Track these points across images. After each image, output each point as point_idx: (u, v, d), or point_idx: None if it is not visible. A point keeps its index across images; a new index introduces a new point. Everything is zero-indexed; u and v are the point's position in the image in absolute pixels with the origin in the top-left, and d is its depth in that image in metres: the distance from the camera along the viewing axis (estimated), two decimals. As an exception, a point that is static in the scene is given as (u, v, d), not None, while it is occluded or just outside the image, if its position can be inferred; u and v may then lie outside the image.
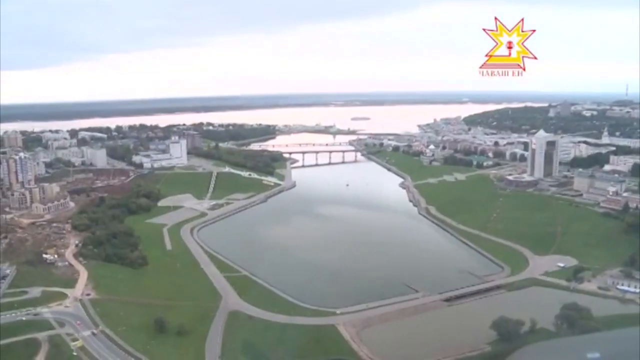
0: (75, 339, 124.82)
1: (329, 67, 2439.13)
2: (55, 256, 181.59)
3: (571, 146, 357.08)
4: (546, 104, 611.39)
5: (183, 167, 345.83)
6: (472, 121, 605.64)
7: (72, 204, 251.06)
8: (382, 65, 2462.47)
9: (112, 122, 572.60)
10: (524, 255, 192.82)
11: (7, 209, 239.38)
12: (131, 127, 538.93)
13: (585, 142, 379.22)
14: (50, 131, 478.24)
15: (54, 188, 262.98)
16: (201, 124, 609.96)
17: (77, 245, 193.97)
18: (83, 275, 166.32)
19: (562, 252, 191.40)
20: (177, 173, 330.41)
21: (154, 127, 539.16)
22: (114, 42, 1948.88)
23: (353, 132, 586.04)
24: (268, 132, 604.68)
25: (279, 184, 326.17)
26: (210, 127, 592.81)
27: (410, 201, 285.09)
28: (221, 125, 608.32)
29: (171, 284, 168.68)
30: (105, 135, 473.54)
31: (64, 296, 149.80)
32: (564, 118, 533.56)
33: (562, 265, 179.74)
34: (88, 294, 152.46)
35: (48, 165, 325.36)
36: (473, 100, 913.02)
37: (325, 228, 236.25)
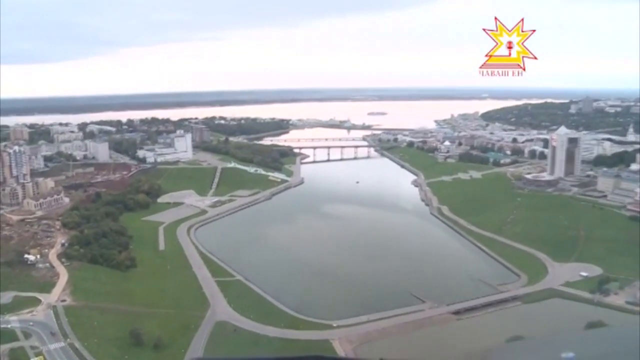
0: (39, 353, 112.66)
1: (346, 61, 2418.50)
2: (38, 257, 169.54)
3: (594, 143, 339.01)
4: (567, 100, 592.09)
5: (187, 161, 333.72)
6: (490, 117, 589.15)
7: (66, 200, 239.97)
8: (401, 60, 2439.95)
9: (126, 116, 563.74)
10: (543, 262, 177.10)
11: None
12: (142, 121, 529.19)
13: (609, 140, 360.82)
14: (60, 124, 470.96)
15: (49, 183, 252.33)
16: (213, 117, 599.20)
17: (63, 245, 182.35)
18: (63, 278, 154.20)
19: (584, 259, 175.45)
20: (180, 168, 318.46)
21: (165, 121, 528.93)
22: (130, 36, 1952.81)
23: (368, 127, 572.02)
24: (281, 126, 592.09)
25: (286, 180, 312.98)
26: (222, 121, 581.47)
27: (422, 200, 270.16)
28: (233, 119, 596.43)
29: (157, 289, 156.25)
30: (114, 129, 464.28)
31: (37, 302, 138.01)
32: (586, 114, 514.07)
33: (585, 274, 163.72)
34: (63, 300, 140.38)
35: (48, 159, 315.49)
36: (492, 97, 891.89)
37: (329, 229, 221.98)
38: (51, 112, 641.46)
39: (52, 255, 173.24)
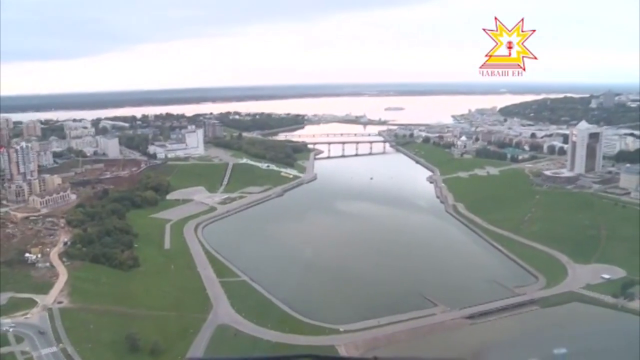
0: (29, 359, 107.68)
1: (362, 56, 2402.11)
2: (38, 256, 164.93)
3: (616, 139, 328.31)
4: (587, 95, 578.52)
5: (199, 157, 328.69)
6: (508, 112, 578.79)
7: (73, 197, 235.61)
8: (418, 55, 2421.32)
9: (142, 111, 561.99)
10: (562, 263, 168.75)
11: (4, 202, 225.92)
12: (157, 116, 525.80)
13: (632, 135, 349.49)
14: (74, 120, 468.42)
15: (55, 180, 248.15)
16: (228, 113, 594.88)
17: (65, 244, 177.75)
18: (62, 278, 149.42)
19: (606, 260, 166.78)
20: (191, 164, 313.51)
21: (180, 117, 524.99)
22: (148, 32, 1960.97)
23: (384, 123, 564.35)
24: (297, 121, 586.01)
25: (299, 177, 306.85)
26: (237, 117, 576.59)
27: (438, 197, 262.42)
28: (248, 115, 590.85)
29: (159, 290, 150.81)
30: (127, 124, 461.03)
31: (33, 304, 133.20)
32: (607, 109, 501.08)
33: (607, 276, 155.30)
34: (60, 302, 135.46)
35: (58, 155, 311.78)
36: (511, 91, 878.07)
37: (341, 227, 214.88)
38: (68, 109, 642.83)
39: (54, 254, 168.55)
